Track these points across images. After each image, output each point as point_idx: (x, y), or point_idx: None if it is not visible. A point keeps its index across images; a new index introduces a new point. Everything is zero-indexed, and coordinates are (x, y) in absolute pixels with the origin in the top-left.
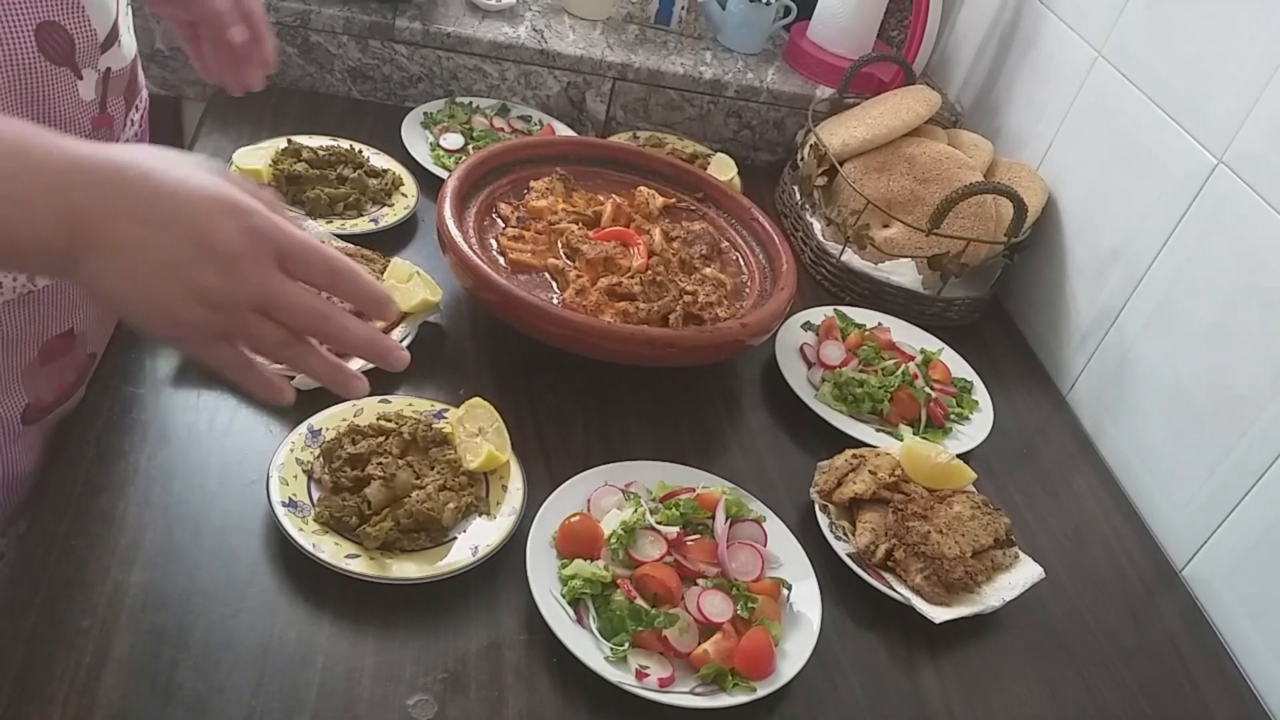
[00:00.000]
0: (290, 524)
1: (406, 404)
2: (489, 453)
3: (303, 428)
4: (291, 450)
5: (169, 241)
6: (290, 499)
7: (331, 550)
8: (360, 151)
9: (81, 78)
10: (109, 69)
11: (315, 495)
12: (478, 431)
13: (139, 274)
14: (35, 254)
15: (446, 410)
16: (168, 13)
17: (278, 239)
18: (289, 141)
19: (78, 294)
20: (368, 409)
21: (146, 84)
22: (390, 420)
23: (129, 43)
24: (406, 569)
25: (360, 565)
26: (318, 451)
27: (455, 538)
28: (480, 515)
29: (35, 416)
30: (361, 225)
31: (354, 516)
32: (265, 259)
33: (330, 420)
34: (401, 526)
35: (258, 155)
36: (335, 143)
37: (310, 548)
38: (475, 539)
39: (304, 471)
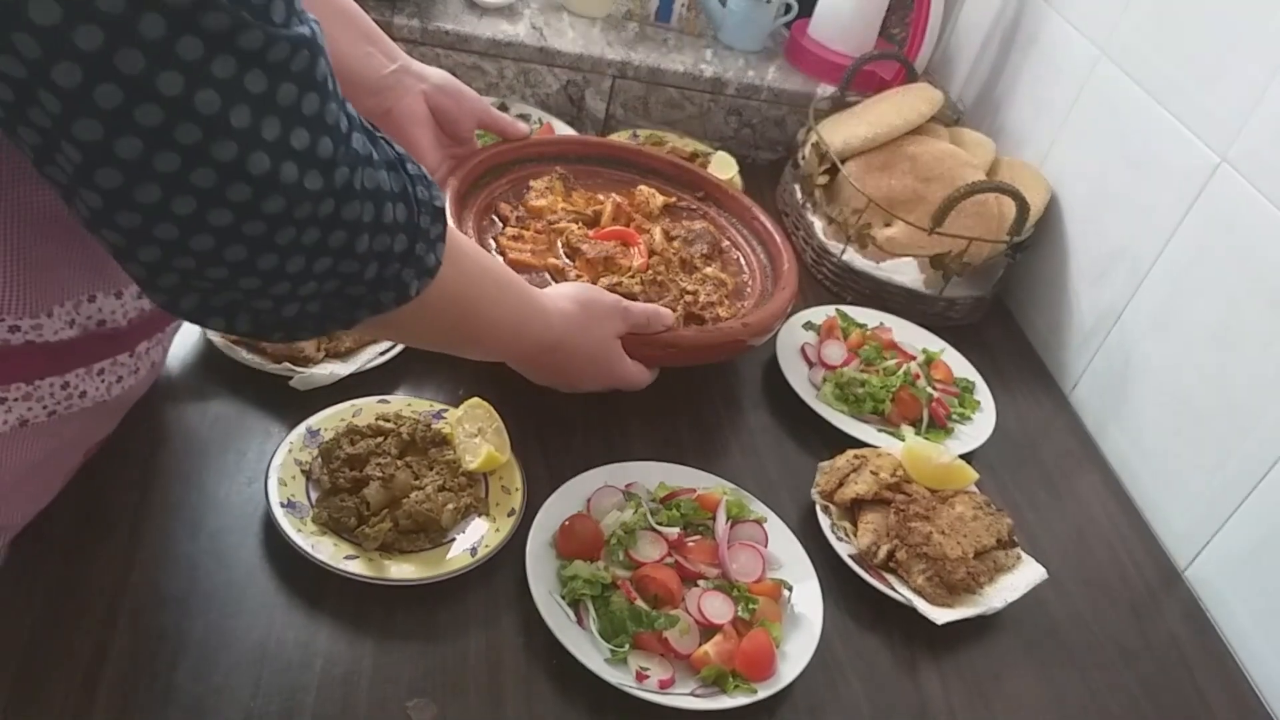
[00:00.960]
0: (289, 525)
1: (405, 404)
2: (488, 453)
3: (301, 428)
4: (290, 451)
5: (559, 382)
6: (289, 500)
7: (330, 551)
8: None
9: None
10: None
11: (314, 496)
12: (477, 432)
13: (541, 380)
14: (492, 351)
15: (445, 410)
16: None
17: (616, 387)
18: None
19: (128, 397)
20: (366, 409)
21: None
22: (389, 420)
23: None
24: (405, 570)
25: (359, 566)
26: (316, 452)
27: (454, 539)
28: (479, 516)
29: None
30: None
31: (352, 517)
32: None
33: (329, 421)
34: (400, 528)
35: None
36: None
37: (309, 549)
38: (474, 540)
39: (302, 472)
